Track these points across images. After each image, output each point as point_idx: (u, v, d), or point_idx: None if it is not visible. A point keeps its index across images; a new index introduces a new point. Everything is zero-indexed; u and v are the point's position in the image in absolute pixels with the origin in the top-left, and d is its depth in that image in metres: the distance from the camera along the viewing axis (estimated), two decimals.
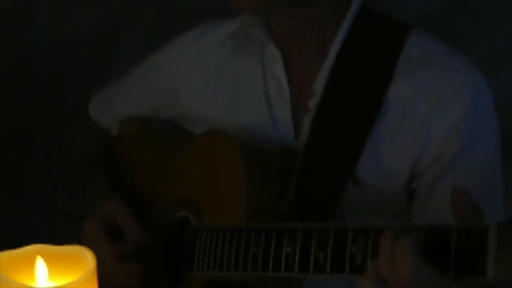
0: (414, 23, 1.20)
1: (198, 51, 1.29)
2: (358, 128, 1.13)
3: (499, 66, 1.82)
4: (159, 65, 1.34)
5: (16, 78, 1.81)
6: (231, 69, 1.26)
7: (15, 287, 0.78)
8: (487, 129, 1.13)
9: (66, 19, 1.82)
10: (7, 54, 1.79)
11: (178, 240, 1.23)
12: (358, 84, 1.15)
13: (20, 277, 0.80)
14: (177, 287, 1.21)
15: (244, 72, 1.24)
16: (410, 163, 1.12)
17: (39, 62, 1.82)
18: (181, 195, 1.21)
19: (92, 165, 1.38)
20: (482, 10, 1.81)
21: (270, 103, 1.21)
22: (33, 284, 0.81)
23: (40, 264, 0.81)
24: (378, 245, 0.84)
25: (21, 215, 1.79)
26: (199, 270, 1.13)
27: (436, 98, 1.11)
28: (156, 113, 1.36)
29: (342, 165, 1.13)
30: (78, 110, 1.46)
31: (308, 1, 1.16)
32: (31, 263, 0.81)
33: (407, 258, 0.80)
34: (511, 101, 1.79)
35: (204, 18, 1.32)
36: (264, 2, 1.15)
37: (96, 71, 1.48)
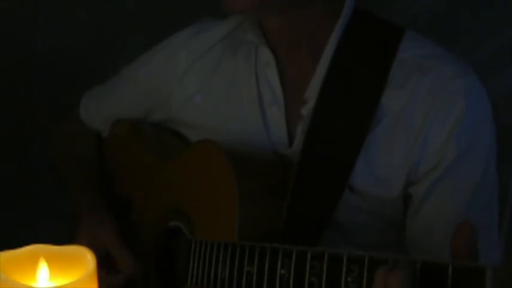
0: (414, 23, 1.20)
1: (190, 53, 1.27)
2: (352, 136, 1.12)
3: (499, 66, 1.82)
4: (150, 67, 1.33)
5: (16, 78, 1.81)
6: (223, 73, 1.25)
7: (16, 287, 0.78)
8: (483, 132, 1.12)
9: (66, 19, 1.82)
10: (7, 54, 1.79)
11: (171, 250, 1.22)
12: (352, 91, 1.13)
13: (20, 277, 0.81)
14: None
15: (237, 75, 1.23)
16: (407, 170, 1.11)
17: (39, 62, 1.82)
18: (173, 205, 1.20)
19: (83, 174, 1.37)
20: (482, 10, 1.81)
21: (263, 109, 1.20)
22: (33, 284, 0.81)
23: (40, 264, 0.81)
24: (373, 276, 0.83)
25: (21, 215, 1.79)
26: (193, 283, 1.12)
27: (431, 104, 1.10)
28: (146, 115, 1.35)
29: (337, 173, 1.12)
30: (70, 109, 1.46)
31: (300, 2, 1.15)
32: (31, 263, 0.81)
33: None
34: (511, 101, 1.79)
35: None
36: (256, 6, 1.13)
37: (96, 71, 1.48)
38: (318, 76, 1.15)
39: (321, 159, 1.13)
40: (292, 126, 1.17)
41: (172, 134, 1.31)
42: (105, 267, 1.19)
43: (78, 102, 1.45)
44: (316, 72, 1.16)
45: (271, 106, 1.19)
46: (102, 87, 1.41)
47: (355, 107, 1.13)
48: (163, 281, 1.24)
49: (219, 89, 1.25)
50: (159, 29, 1.35)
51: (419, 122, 1.10)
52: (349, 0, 1.17)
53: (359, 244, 1.13)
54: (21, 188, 1.83)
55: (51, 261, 0.82)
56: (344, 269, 0.87)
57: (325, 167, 1.13)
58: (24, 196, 1.82)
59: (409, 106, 1.11)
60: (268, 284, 0.97)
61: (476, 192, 1.10)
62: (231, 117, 1.22)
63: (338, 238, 1.13)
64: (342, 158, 1.12)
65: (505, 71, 1.83)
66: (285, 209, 1.10)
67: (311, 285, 0.91)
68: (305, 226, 1.11)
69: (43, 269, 0.82)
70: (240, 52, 1.24)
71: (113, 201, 1.33)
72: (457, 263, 0.77)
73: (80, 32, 1.82)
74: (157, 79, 1.31)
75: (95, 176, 1.37)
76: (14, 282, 0.79)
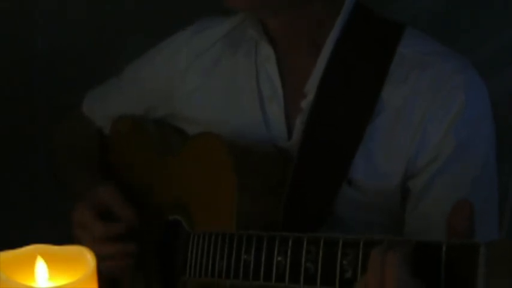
0: (414, 23, 1.20)
1: (191, 51, 1.28)
2: (352, 129, 1.12)
3: (499, 66, 1.82)
4: (152, 65, 1.34)
5: (16, 78, 1.81)
6: (224, 69, 1.26)
7: (15, 287, 0.78)
8: (483, 128, 1.12)
9: (66, 19, 1.82)
10: (7, 54, 1.79)
11: (171, 243, 1.23)
12: (352, 85, 1.14)
13: (20, 277, 0.80)
14: None
15: (237, 72, 1.24)
16: (405, 164, 1.12)
17: (39, 62, 1.82)
18: (174, 199, 1.21)
19: (83, 164, 1.38)
20: (482, 10, 1.81)
21: (263, 103, 1.20)
22: (33, 284, 0.81)
23: (40, 264, 0.81)
24: (368, 259, 0.83)
25: (21, 215, 1.79)
26: (191, 275, 1.13)
27: (432, 101, 1.10)
28: (149, 112, 1.36)
29: (336, 167, 1.12)
30: (69, 111, 1.47)
31: (300, 2, 1.15)
32: (31, 263, 0.81)
33: (396, 270, 0.79)
34: (511, 101, 1.79)
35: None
36: (256, 5, 1.14)
37: (96, 71, 1.48)
38: (318, 70, 1.16)
39: (319, 152, 1.13)
40: (291, 120, 1.18)
41: (175, 131, 1.32)
42: (104, 219, 1.20)
43: (78, 102, 1.46)
44: (317, 66, 1.16)
45: (271, 101, 1.20)
46: (106, 86, 1.42)
47: (355, 101, 1.13)
48: (164, 274, 1.24)
49: (219, 86, 1.26)
50: (159, 29, 1.35)
51: (418, 118, 1.11)
52: None
53: None
54: (21, 188, 1.83)
55: (51, 261, 0.82)
56: (339, 253, 0.87)
57: (324, 160, 1.13)
58: (24, 196, 1.82)
59: (409, 102, 1.11)
60: (265, 272, 0.98)
61: (476, 187, 1.10)
62: (231, 112, 1.23)
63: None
64: (341, 151, 1.12)
65: (505, 71, 1.83)
66: (283, 202, 1.10)
67: (307, 270, 0.91)
68: (304, 219, 1.11)
69: (43, 269, 0.81)
70: (241, 50, 1.25)
71: None
72: (450, 241, 0.78)
73: (80, 32, 1.82)
74: (160, 77, 1.32)
75: (96, 169, 1.38)
76: (14, 282, 0.78)
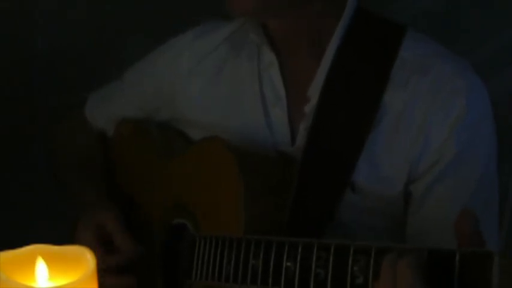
0: (414, 23, 1.20)
1: (193, 55, 1.28)
2: (355, 134, 1.12)
3: (499, 66, 1.82)
4: (154, 68, 1.34)
5: (16, 78, 1.81)
6: (227, 73, 1.25)
7: (15, 287, 0.78)
8: (483, 129, 1.13)
9: (66, 19, 1.82)
10: (7, 54, 1.79)
11: (176, 246, 1.22)
12: (354, 89, 1.14)
13: (20, 277, 0.80)
14: None
15: (240, 76, 1.24)
16: (408, 168, 1.12)
17: (39, 62, 1.82)
18: (178, 202, 1.21)
19: (84, 171, 1.37)
20: (482, 10, 1.81)
21: (266, 108, 1.20)
22: (33, 284, 0.81)
23: (40, 264, 0.81)
24: (379, 266, 0.83)
25: (21, 215, 1.79)
26: (197, 279, 1.12)
27: (432, 103, 1.10)
28: (151, 114, 1.35)
29: (339, 172, 1.12)
30: (69, 111, 1.46)
31: (300, 2, 1.15)
32: (31, 263, 0.81)
33: (409, 279, 0.79)
34: (511, 101, 1.79)
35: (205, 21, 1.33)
36: (259, 8, 1.14)
37: (96, 71, 1.48)
38: (320, 74, 1.16)
39: (323, 157, 1.13)
40: (295, 125, 1.18)
41: (178, 134, 1.32)
42: (105, 247, 1.18)
43: (78, 102, 1.46)
44: (319, 70, 1.16)
45: (274, 106, 1.20)
46: (107, 89, 1.42)
47: (358, 105, 1.13)
48: (168, 277, 1.24)
49: (222, 90, 1.25)
50: (159, 29, 1.35)
51: (419, 121, 1.11)
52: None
53: None
54: (21, 188, 1.83)
55: (51, 261, 0.82)
56: (350, 259, 0.87)
57: (327, 165, 1.13)
58: (24, 196, 1.82)
59: (410, 105, 1.12)
60: (273, 277, 0.97)
61: (477, 188, 1.11)
62: (234, 117, 1.23)
63: (341, 238, 1.13)
64: (345, 155, 1.12)
65: (505, 71, 1.83)
66: (288, 207, 1.10)
67: (317, 276, 0.91)
68: (307, 224, 1.11)
69: (43, 269, 0.81)
70: (243, 53, 1.25)
71: (118, 200, 1.33)
72: (463, 249, 0.78)
73: (80, 32, 1.82)
74: (161, 80, 1.32)
75: (98, 175, 1.38)
76: (14, 282, 0.78)
